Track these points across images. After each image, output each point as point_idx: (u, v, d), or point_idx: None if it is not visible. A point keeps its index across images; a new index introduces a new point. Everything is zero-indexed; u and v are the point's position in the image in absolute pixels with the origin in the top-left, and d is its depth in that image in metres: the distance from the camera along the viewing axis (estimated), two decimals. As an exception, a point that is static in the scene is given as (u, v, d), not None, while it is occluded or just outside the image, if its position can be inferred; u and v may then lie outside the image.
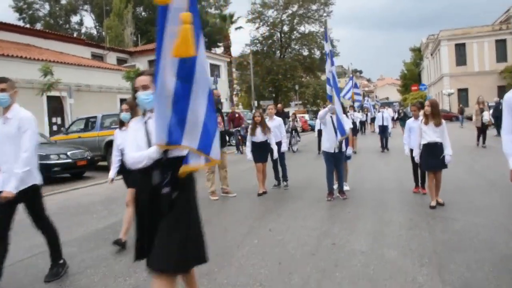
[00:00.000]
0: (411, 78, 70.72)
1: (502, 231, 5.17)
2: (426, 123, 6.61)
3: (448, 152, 6.55)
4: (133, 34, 47.88)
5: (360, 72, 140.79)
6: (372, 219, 6.11)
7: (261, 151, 8.45)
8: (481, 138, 15.56)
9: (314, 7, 50.41)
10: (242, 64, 52.00)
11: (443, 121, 6.64)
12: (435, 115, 6.55)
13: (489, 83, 43.53)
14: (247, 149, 8.64)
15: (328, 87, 7.50)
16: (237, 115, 17.35)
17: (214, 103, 2.91)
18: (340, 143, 7.42)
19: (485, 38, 45.81)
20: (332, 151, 7.49)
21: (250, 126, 8.68)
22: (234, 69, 54.01)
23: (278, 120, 9.09)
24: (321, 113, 7.69)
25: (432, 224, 5.65)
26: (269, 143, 8.45)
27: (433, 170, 6.65)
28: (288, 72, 47.31)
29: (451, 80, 46.71)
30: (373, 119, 24.21)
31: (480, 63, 46.04)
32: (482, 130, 15.44)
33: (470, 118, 32.48)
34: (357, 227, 5.72)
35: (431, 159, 6.61)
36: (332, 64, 7.58)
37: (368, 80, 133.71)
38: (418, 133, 6.82)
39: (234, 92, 53.32)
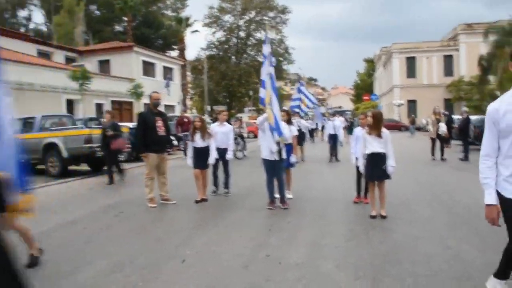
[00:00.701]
0: (364, 88, 72.45)
1: (440, 245, 5.10)
2: (370, 133, 6.54)
3: (390, 163, 6.45)
4: (84, 32, 46.33)
5: (315, 80, 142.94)
6: (312, 229, 5.92)
7: (200, 157, 8.11)
8: (437, 151, 14.99)
9: (271, 14, 50.78)
10: (196, 68, 51.46)
11: (387, 131, 6.53)
12: (376, 126, 6.48)
13: (436, 95, 45.20)
14: (188, 154, 8.32)
15: (262, 90, 7.30)
16: (186, 119, 16.81)
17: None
18: (279, 149, 7.16)
19: (434, 53, 47.69)
20: (271, 159, 7.22)
21: (190, 131, 8.33)
22: (189, 73, 53.47)
23: (228, 127, 8.83)
24: (260, 118, 7.48)
25: (372, 235, 5.52)
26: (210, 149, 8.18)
27: (375, 180, 6.59)
28: (243, 78, 47.27)
29: (401, 92, 48.18)
30: (322, 127, 24.24)
31: (428, 76, 47.81)
32: (440, 141, 14.94)
33: (420, 129, 33.46)
34: (295, 237, 5.50)
35: (374, 170, 6.50)
36: (271, 65, 7.38)
37: (323, 89, 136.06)
38: (362, 143, 6.74)
39: (189, 96, 52.69)
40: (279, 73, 54.06)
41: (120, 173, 11.32)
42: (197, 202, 7.94)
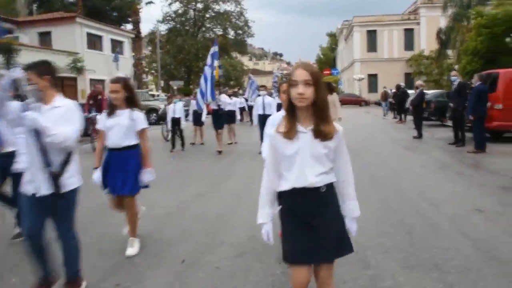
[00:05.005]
0: (327, 63, 71.63)
1: None
2: (288, 134, 2.27)
3: (352, 211, 2.43)
4: (27, 2, 42.99)
5: (281, 55, 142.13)
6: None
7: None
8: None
9: (229, -16, 48.61)
10: (153, 41, 49.03)
11: (340, 128, 2.32)
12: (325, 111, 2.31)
13: (397, 70, 44.70)
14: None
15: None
16: (99, 95, 12.72)
17: None
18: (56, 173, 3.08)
19: (394, 27, 46.94)
20: (33, 192, 3.13)
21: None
22: (149, 47, 51.05)
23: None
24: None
25: None
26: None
27: (311, 263, 2.32)
28: (200, 52, 45.23)
29: (362, 66, 47.39)
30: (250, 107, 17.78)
31: (389, 50, 47.14)
32: None
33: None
34: None
35: (304, 235, 2.27)
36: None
37: (288, 63, 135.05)
38: (270, 157, 2.39)
39: (151, 72, 50.50)
40: (241, 47, 52.31)
41: None
42: None
